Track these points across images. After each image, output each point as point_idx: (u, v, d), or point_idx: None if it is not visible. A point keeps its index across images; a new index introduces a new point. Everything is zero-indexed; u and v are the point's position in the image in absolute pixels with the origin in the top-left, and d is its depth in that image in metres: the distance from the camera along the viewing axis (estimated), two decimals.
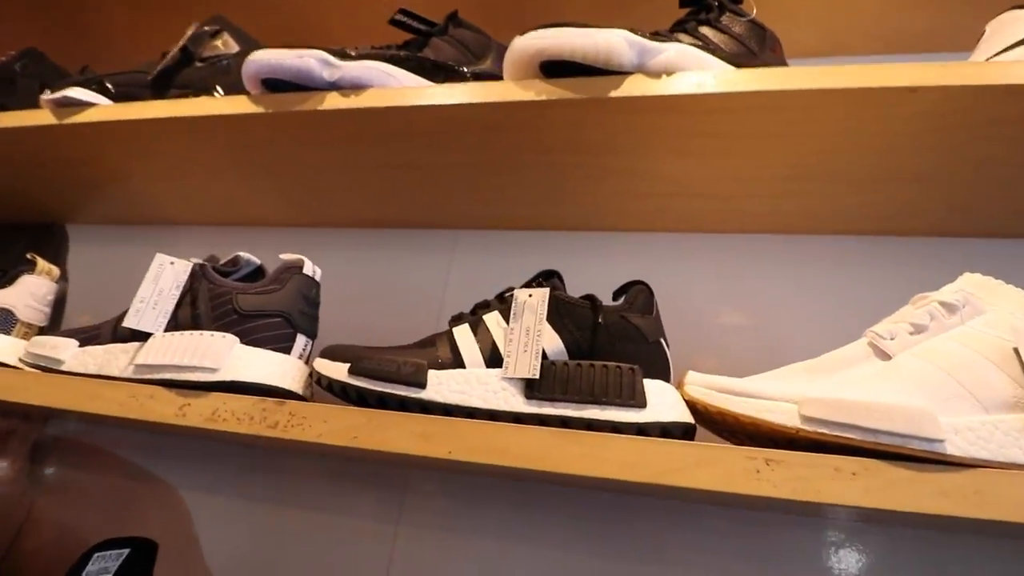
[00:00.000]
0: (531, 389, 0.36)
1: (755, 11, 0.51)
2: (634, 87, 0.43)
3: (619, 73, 0.44)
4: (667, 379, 0.38)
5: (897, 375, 0.32)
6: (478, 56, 0.58)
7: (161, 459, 0.65)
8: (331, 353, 0.41)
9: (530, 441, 0.33)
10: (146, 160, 0.64)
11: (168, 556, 0.49)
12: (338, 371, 0.39)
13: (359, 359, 0.39)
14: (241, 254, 0.51)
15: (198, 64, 0.62)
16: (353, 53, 0.53)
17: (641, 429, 0.34)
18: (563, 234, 0.65)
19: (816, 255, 0.57)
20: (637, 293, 0.40)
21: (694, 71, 0.43)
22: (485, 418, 0.36)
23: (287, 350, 0.45)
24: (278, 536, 0.59)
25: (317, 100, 0.51)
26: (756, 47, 0.49)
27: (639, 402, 0.34)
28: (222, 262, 0.51)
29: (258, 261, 0.53)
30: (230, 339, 0.42)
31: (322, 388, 0.41)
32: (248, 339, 0.43)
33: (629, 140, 0.48)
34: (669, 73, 0.43)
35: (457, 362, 0.38)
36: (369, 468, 0.59)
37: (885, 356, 0.34)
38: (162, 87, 0.61)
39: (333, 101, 0.50)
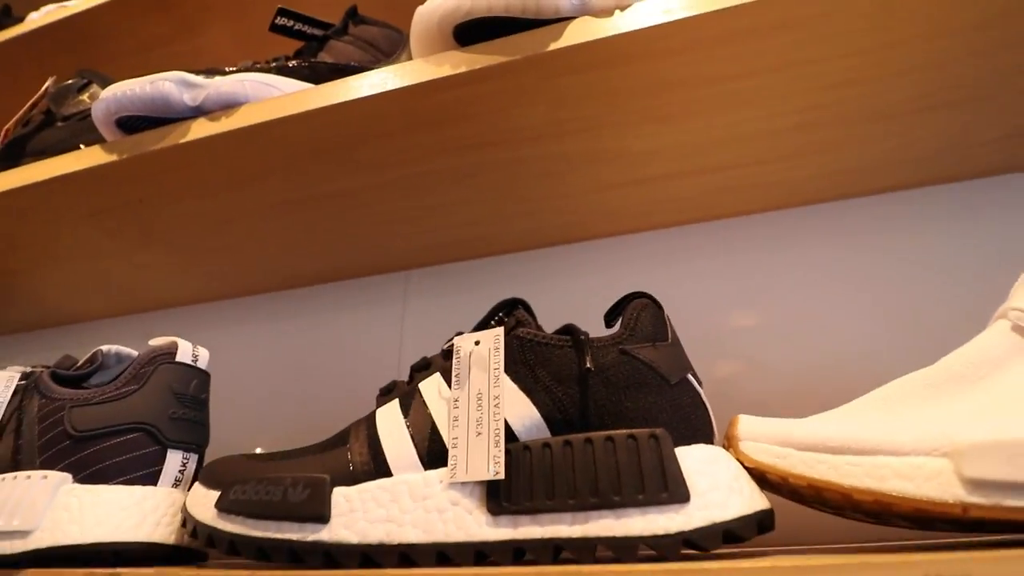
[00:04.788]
0: (496, 499, 0.22)
1: None
2: (580, 33, 0.32)
3: (556, 21, 0.33)
4: (710, 439, 0.24)
5: None
6: (389, 53, 0.47)
7: None
8: (206, 476, 0.27)
9: None
10: (14, 250, 0.52)
11: None
12: (204, 508, 0.25)
13: (231, 485, 0.25)
14: (103, 348, 0.38)
15: (59, 124, 0.51)
16: (228, 70, 0.42)
17: (689, 541, 0.20)
18: (536, 254, 0.52)
19: (863, 224, 0.44)
20: (638, 311, 0.26)
21: None
22: (429, 560, 0.22)
23: (153, 477, 0.31)
24: None
25: (180, 132, 0.39)
26: None
27: (677, 494, 0.20)
28: (79, 363, 0.38)
29: (134, 353, 0.39)
30: (54, 479, 0.29)
31: (194, 539, 0.27)
32: (88, 472, 0.29)
33: (589, 111, 0.36)
34: (623, 7, 0.32)
35: (379, 467, 0.24)
36: None
37: None
38: (13, 158, 0.50)
39: (199, 129, 0.38)
